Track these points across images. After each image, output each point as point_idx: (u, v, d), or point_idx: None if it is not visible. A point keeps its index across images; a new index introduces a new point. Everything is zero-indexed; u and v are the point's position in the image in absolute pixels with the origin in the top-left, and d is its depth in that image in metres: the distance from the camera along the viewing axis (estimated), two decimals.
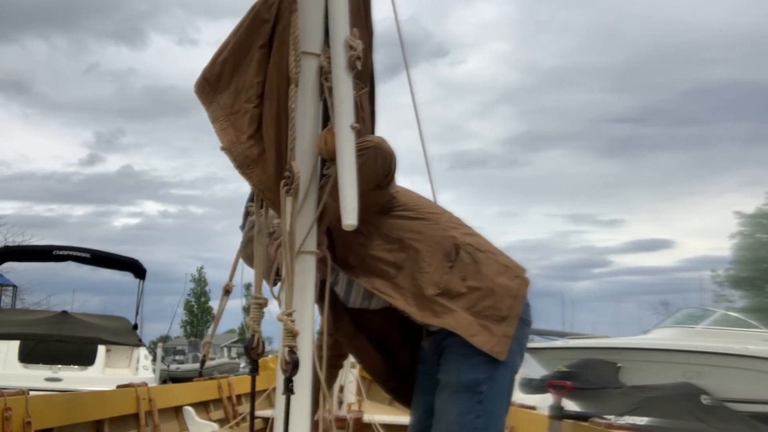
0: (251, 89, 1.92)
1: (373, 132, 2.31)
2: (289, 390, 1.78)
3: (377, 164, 1.89)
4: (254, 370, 2.02)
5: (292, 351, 1.76)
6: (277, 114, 1.91)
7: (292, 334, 1.77)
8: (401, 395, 2.28)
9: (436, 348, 2.01)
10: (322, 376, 1.92)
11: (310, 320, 1.87)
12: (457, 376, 1.92)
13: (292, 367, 1.76)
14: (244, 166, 1.90)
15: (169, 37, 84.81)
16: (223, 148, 1.94)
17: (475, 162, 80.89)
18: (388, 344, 2.21)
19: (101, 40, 75.06)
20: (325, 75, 1.90)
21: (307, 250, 1.86)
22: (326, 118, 1.94)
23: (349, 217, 1.71)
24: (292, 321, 1.77)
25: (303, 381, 1.83)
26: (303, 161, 1.88)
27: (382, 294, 1.94)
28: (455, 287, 1.92)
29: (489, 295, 1.93)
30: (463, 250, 1.97)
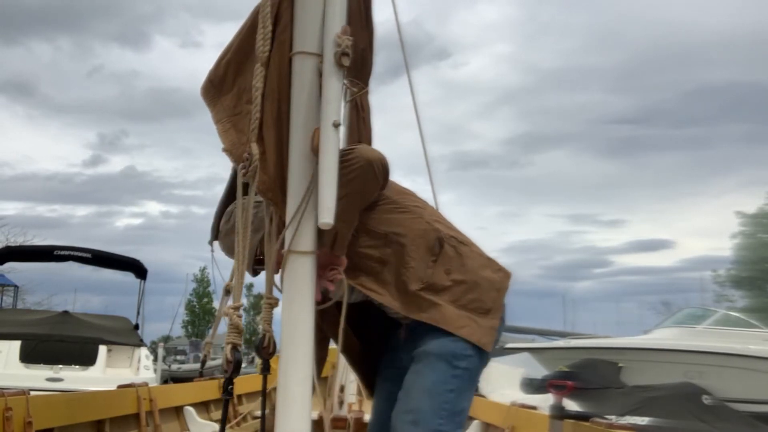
0: (252, 90, 1.92)
1: (369, 133, 2.31)
2: (228, 393, 1.74)
3: (376, 180, 1.88)
4: (266, 369, 2.02)
5: (236, 349, 1.71)
6: (278, 115, 1.92)
7: (237, 330, 1.72)
8: (373, 386, 2.28)
9: (412, 333, 1.99)
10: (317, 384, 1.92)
11: (309, 326, 1.86)
12: (438, 346, 1.89)
13: (233, 367, 1.68)
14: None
15: (173, 39, 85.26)
16: (224, 150, 1.95)
17: (476, 162, 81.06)
18: (366, 335, 2.20)
19: (105, 42, 75.67)
20: (321, 74, 1.91)
21: (300, 249, 1.85)
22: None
23: (325, 216, 1.72)
24: (239, 316, 1.74)
25: (303, 381, 1.83)
26: (300, 160, 1.89)
27: (367, 290, 1.94)
28: (439, 281, 1.91)
29: (474, 288, 1.93)
30: (447, 243, 1.96)
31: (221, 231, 2.07)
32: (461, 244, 2.00)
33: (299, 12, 1.95)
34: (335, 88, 1.85)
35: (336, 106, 1.84)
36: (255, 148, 1.84)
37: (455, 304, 1.90)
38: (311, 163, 1.88)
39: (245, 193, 1.86)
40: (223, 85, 2.00)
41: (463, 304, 1.91)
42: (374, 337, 2.21)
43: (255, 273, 2.09)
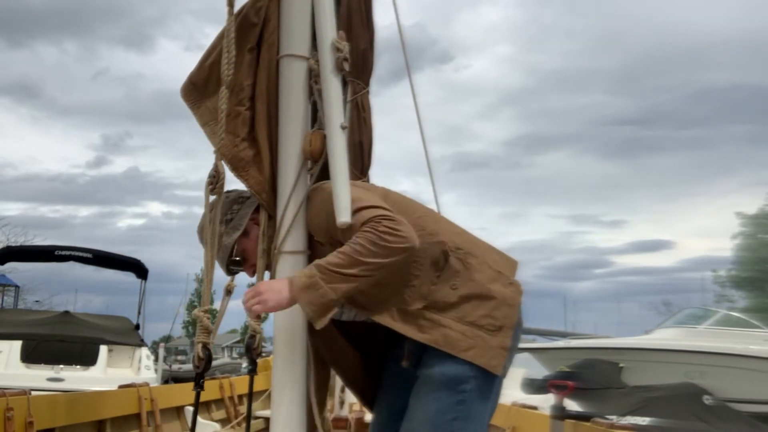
0: (242, 92, 1.93)
1: (370, 133, 2.30)
2: (199, 386, 1.92)
3: (395, 255, 1.69)
4: (253, 371, 2.04)
5: (206, 347, 1.86)
6: (268, 116, 1.92)
7: (207, 330, 1.86)
8: (373, 401, 2.12)
9: (417, 350, 1.85)
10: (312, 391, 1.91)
11: (302, 327, 1.86)
12: (440, 370, 1.76)
13: (204, 363, 1.86)
14: (239, 168, 1.91)
15: (177, 42, 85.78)
16: (216, 152, 1.95)
17: (477, 163, 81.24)
18: (367, 348, 2.06)
19: (111, 45, 76.10)
20: (314, 78, 1.90)
21: (290, 250, 1.87)
22: (314, 120, 1.95)
23: (343, 215, 1.71)
24: (208, 317, 1.86)
25: (298, 381, 1.84)
26: (289, 162, 1.90)
27: (365, 312, 1.85)
28: (444, 297, 1.79)
29: (483, 303, 1.79)
30: (452, 255, 1.82)
31: (199, 225, 2.01)
32: (469, 254, 1.85)
33: (285, 15, 1.96)
34: (337, 91, 1.86)
35: (340, 109, 1.85)
36: (222, 166, 1.85)
37: (463, 321, 1.77)
38: (297, 164, 1.89)
39: (213, 207, 1.88)
40: (207, 87, 1.97)
41: (471, 321, 1.77)
42: (375, 350, 2.07)
43: (230, 273, 2.03)
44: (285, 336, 1.84)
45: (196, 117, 1.99)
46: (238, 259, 1.97)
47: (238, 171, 1.91)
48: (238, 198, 2.01)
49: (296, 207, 1.87)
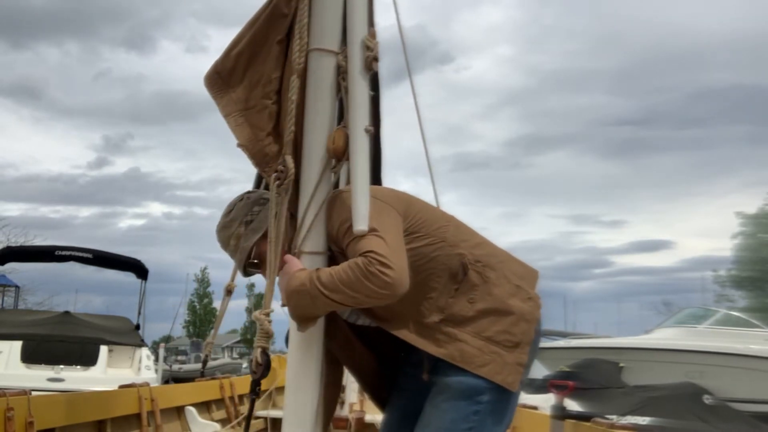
0: (269, 85, 1.88)
1: (378, 132, 2.28)
2: (255, 393, 1.80)
3: (376, 298, 1.64)
4: (255, 393, 1.90)
5: (265, 352, 1.76)
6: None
7: (267, 335, 1.77)
8: (384, 400, 2.11)
9: (434, 361, 1.82)
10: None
11: (319, 329, 1.83)
12: (457, 379, 1.76)
13: (263, 369, 1.75)
14: (263, 163, 1.86)
15: (179, 44, 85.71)
16: (240, 145, 1.89)
17: (477, 163, 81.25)
18: (382, 351, 2.05)
19: (113, 47, 76.19)
20: (342, 74, 1.86)
21: (310, 250, 1.83)
22: (340, 117, 1.90)
23: (361, 223, 1.67)
24: (270, 321, 1.76)
25: (311, 386, 1.81)
26: (313, 159, 1.85)
27: (382, 323, 1.83)
28: (462, 311, 1.77)
29: (501, 318, 1.77)
30: (472, 269, 1.80)
31: (218, 224, 1.98)
32: (488, 267, 1.82)
33: (317, 7, 1.90)
34: (364, 91, 1.81)
35: (365, 111, 1.80)
36: (290, 161, 1.79)
37: (480, 336, 1.75)
38: (321, 161, 1.84)
39: (278, 205, 1.82)
40: (232, 77, 1.92)
41: (488, 336, 1.76)
42: (391, 354, 2.04)
43: (247, 274, 2.00)
44: (300, 337, 1.80)
45: (219, 107, 1.93)
46: (255, 261, 1.93)
47: (262, 167, 1.86)
48: (259, 199, 1.96)
49: (318, 206, 1.82)
